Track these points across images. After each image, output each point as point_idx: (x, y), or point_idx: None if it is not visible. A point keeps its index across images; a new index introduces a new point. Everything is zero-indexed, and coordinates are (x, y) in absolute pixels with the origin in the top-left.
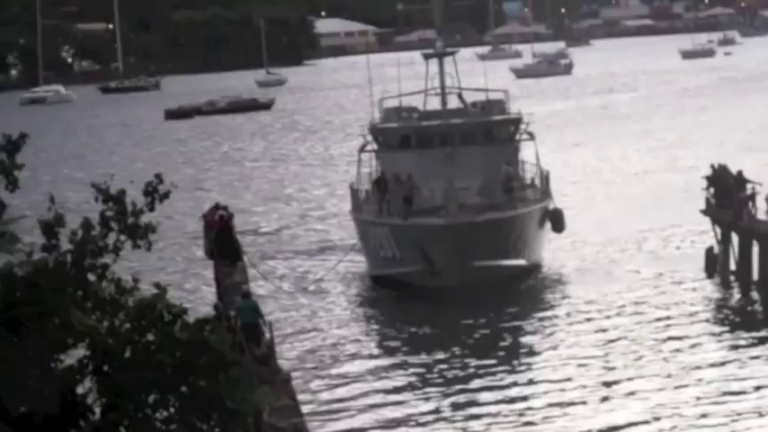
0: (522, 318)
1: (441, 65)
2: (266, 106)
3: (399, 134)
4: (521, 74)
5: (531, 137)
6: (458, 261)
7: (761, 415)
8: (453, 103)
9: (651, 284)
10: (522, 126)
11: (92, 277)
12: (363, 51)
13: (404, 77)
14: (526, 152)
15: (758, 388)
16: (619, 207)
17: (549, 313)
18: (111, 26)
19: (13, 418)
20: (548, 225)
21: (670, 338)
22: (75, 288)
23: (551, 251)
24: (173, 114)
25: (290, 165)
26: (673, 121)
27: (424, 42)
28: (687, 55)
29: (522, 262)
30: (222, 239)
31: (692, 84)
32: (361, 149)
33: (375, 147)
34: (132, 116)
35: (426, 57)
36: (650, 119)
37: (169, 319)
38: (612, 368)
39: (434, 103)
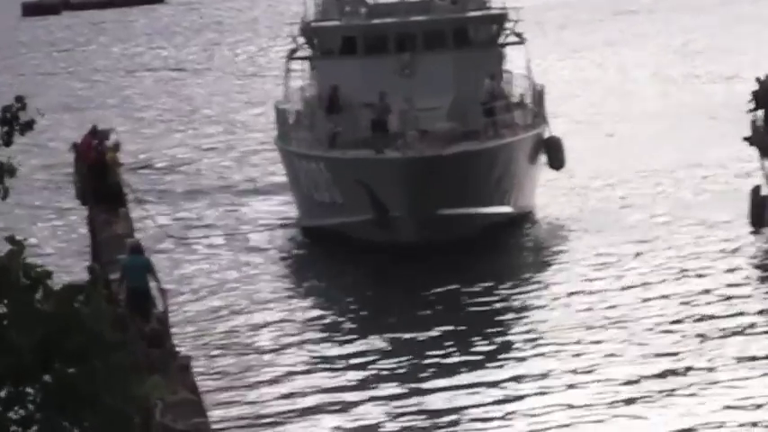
0: (503, 284)
1: None
2: None
3: (341, 35)
4: None
5: (520, 39)
6: (418, 208)
7: None
8: None
9: (674, 237)
10: (509, 25)
11: None
12: None
13: None
14: (513, 61)
15: None
16: (633, 133)
17: (540, 278)
18: None
19: None
20: (542, 159)
21: (697, 313)
22: None
23: (546, 194)
24: (33, 8)
25: (197, 78)
26: (708, 17)
27: None
28: None
29: (506, 209)
30: (97, 176)
31: None
32: (290, 56)
33: (309, 53)
34: None
35: None
36: (678, 13)
37: (27, 285)
38: (618, 355)
39: None
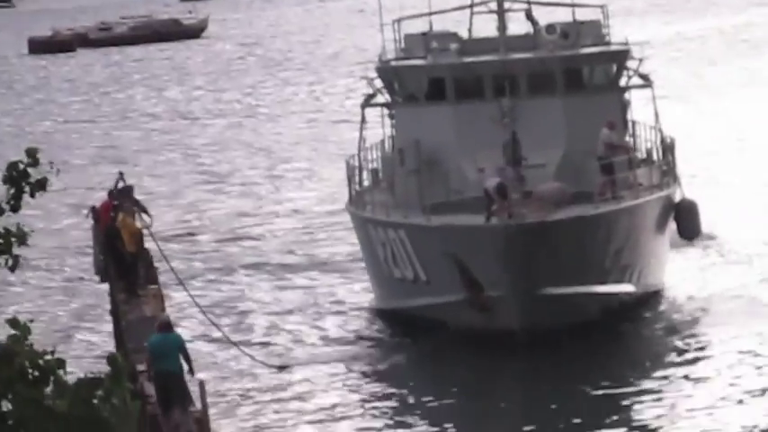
0: (624, 382)
1: None
2: (194, 33)
3: (427, 77)
4: None
5: (647, 82)
6: (521, 287)
7: None
8: (517, 26)
9: None
10: (632, 64)
11: None
12: None
13: None
14: (638, 107)
15: None
16: None
17: (671, 372)
18: None
19: None
20: (671, 226)
21: None
22: None
23: (677, 269)
24: (42, 46)
25: (243, 128)
26: None
27: None
28: None
29: (628, 288)
30: (113, 245)
31: None
32: (366, 103)
33: (388, 98)
34: None
35: None
36: None
37: (35, 378)
38: None
39: (486, 27)
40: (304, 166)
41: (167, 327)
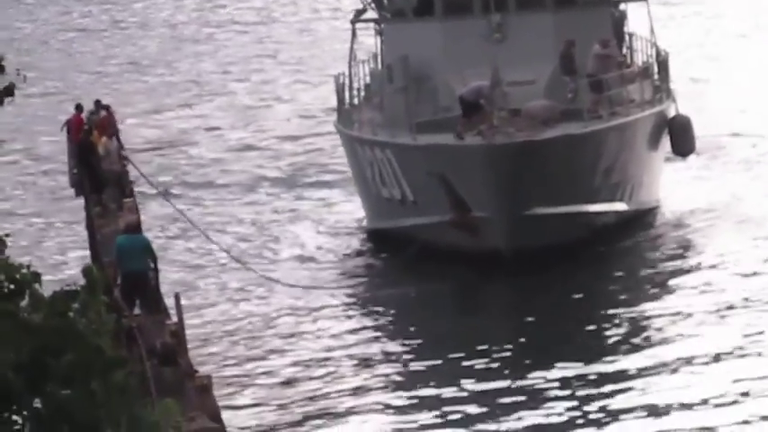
0: (616, 303)
1: None
2: None
3: None
4: None
5: None
6: (508, 206)
7: None
8: None
9: None
10: None
11: None
12: None
13: None
14: (632, 20)
15: None
16: None
17: (665, 294)
18: None
19: None
20: (665, 143)
21: None
22: None
23: (670, 186)
24: None
25: (214, 43)
26: None
27: None
28: None
29: (619, 206)
30: (87, 159)
31: None
32: (356, 19)
33: (376, 14)
34: None
35: None
36: None
37: (11, 291)
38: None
39: None
40: (293, 80)
41: (135, 228)
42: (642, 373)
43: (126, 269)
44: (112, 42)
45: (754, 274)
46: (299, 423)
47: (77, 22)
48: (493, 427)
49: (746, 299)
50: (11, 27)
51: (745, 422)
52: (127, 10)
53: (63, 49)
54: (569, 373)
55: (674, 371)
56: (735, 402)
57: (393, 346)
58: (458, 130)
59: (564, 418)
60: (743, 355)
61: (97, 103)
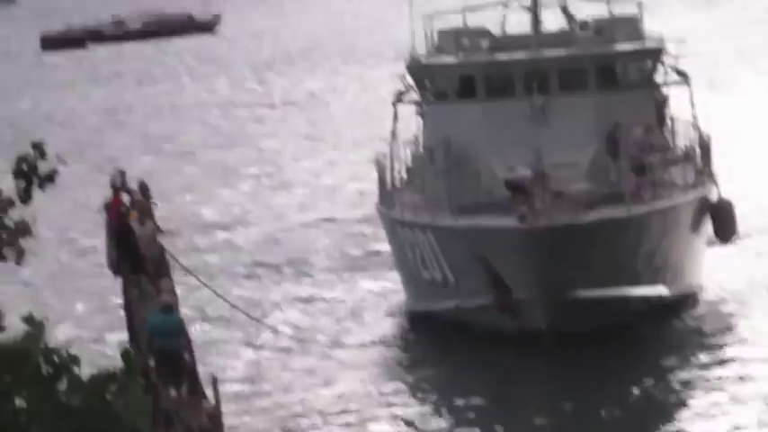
0: (656, 387)
1: None
2: (208, 27)
3: (458, 74)
4: None
5: (684, 78)
6: (549, 289)
7: None
8: (553, 22)
9: None
10: (668, 60)
11: None
12: None
13: None
14: (674, 104)
15: None
16: None
17: (701, 374)
18: None
19: None
20: (707, 227)
21: None
22: None
23: (713, 271)
24: (53, 42)
25: (264, 125)
26: None
27: None
28: None
29: (661, 290)
30: (125, 239)
31: None
32: (397, 100)
33: (418, 96)
34: None
35: None
36: None
37: (50, 374)
38: None
39: (520, 23)
40: (334, 159)
41: (168, 308)
42: None
43: (160, 347)
44: (164, 123)
45: None
46: None
47: (126, 103)
48: None
49: None
50: (62, 108)
51: None
52: (179, 91)
53: (119, 128)
54: None
55: None
56: None
57: (435, 425)
58: (521, 211)
59: None
60: None
61: (142, 186)
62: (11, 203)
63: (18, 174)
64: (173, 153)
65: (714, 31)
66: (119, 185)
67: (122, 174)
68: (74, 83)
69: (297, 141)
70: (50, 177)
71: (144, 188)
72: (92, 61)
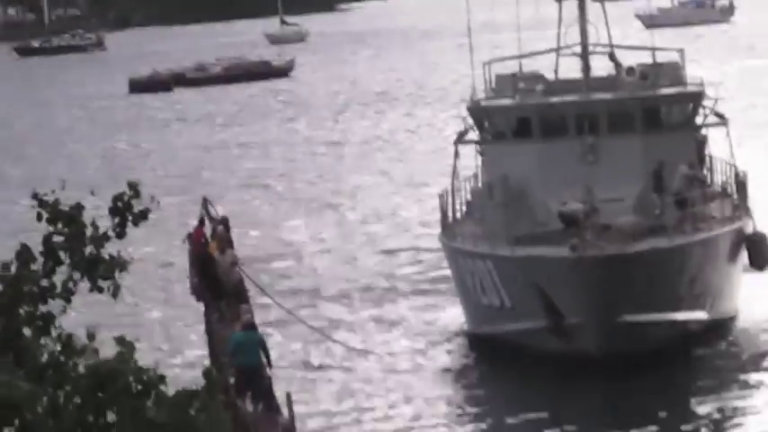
0: (699, 399)
1: (582, 9)
2: (283, 72)
3: (514, 116)
4: (650, 22)
5: (722, 120)
6: (599, 314)
7: None
8: (601, 68)
9: None
10: (707, 103)
11: (28, 332)
12: None
13: (512, 27)
14: (713, 143)
15: None
16: None
17: (737, 391)
18: None
19: None
20: (743, 257)
21: None
22: (4, 349)
23: (750, 297)
24: (141, 85)
25: (339, 163)
26: None
27: None
28: None
29: (702, 315)
30: (206, 267)
31: None
32: (459, 140)
33: (478, 136)
34: (79, 88)
35: None
36: None
37: (138, 391)
38: None
39: (571, 68)
40: (402, 196)
41: (250, 326)
42: None
43: (241, 363)
44: (237, 160)
45: None
46: None
47: (203, 144)
48: None
49: None
50: (157, 145)
51: None
52: (247, 132)
53: (190, 165)
54: None
55: None
56: None
57: None
58: (573, 242)
59: None
60: None
61: (215, 220)
62: (107, 238)
63: (113, 211)
64: (260, 186)
65: (751, 75)
66: (203, 216)
67: (206, 201)
68: (166, 122)
69: (372, 177)
70: (143, 215)
71: (225, 221)
72: (178, 103)
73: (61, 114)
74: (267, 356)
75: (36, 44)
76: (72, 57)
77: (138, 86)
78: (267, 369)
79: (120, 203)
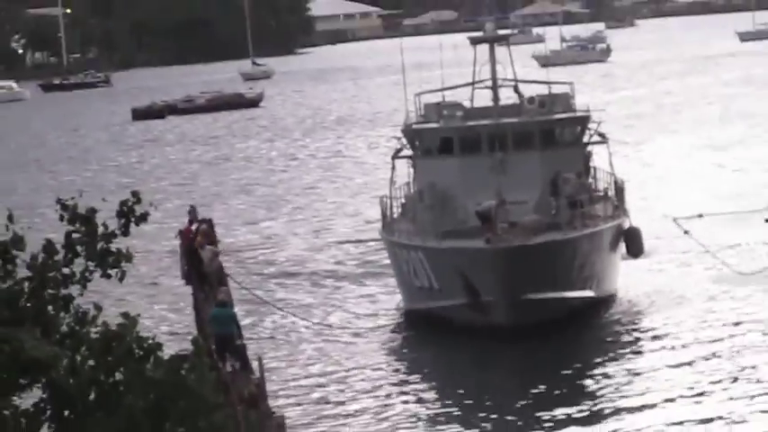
0: (586, 361)
1: (492, 52)
2: (254, 103)
3: (440, 136)
4: (545, 61)
5: (603, 139)
6: (508, 293)
7: None
8: (507, 97)
9: (721, 310)
10: (592, 125)
11: (51, 309)
12: (367, 37)
13: (436, 66)
14: (596, 157)
15: None
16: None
17: (618, 355)
18: (68, 11)
19: None
20: (622, 247)
21: (735, 378)
22: (33, 322)
23: (626, 278)
24: (141, 114)
25: (307, 173)
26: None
27: (441, 25)
28: (746, 36)
29: (589, 293)
30: (194, 259)
31: (745, 70)
32: (395, 156)
33: (411, 152)
34: (91, 117)
35: (474, 42)
36: (703, 112)
37: (140, 356)
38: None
39: (484, 100)
40: (350, 199)
41: (222, 303)
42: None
43: (217, 332)
44: (225, 172)
45: (691, 339)
46: None
47: (198, 157)
48: None
49: (684, 360)
50: (145, 161)
51: None
52: (233, 149)
53: (187, 177)
54: (557, 412)
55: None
56: None
57: (424, 393)
58: (487, 236)
59: None
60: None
61: (200, 220)
62: (114, 236)
63: (119, 214)
64: (243, 192)
65: (626, 103)
66: (191, 218)
67: (194, 208)
68: (165, 143)
69: (333, 184)
70: (144, 217)
71: (209, 221)
72: (174, 127)
73: (81, 137)
74: (238, 328)
75: (56, 81)
76: (85, 92)
77: (139, 115)
78: (239, 339)
79: (124, 208)
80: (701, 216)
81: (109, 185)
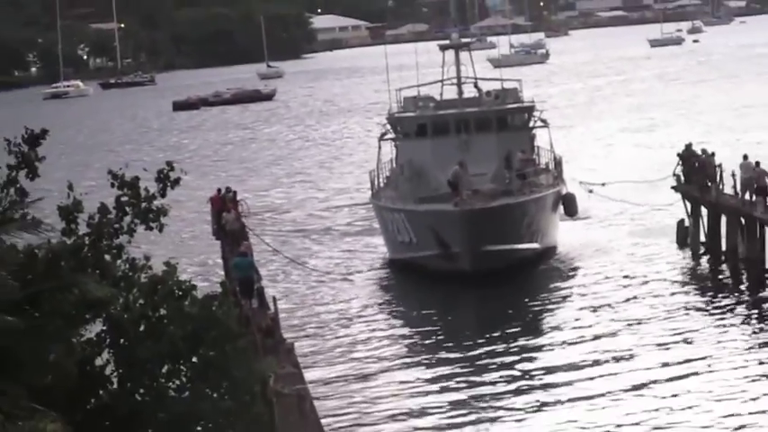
0: (533, 298)
1: (457, 56)
2: (268, 97)
3: (416, 123)
4: (497, 63)
5: (545, 124)
6: (472, 245)
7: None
8: (469, 92)
9: (636, 257)
10: (536, 113)
11: (107, 257)
12: (358, 45)
13: (413, 67)
14: (540, 139)
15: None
16: (621, 186)
17: (558, 293)
18: (122, 25)
19: (37, 390)
20: (560, 209)
21: (650, 309)
22: (93, 268)
23: (564, 233)
24: (180, 105)
25: (318, 151)
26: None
27: (416, 35)
28: (655, 43)
29: (535, 246)
30: (219, 220)
31: (657, 70)
32: (381, 138)
33: (393, 135)
34: (141, 109)
35: (443, 48)
36: (622, 101)
37: (179, 295)
38: (605, 338)
39: (451, 93)
40: (347, 171)
41: (242, 254)
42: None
43: (239, 277)
44: (252, 150)
45: (613, 282)
46: (352, 375)
47: (230, 139)
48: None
49: (607, 297)
50: (184, 141)
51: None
52: (258, 132)
53: (220, 153)
54: (511, 345)
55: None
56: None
57: (403, 325)
58: (455, 201)
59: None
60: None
61: (227, 189)
62: (154, 197)
63: (158, 179)
64: (265, 166)
65: (564, 95)
66: (218, 188)
67: (229, 189)
68: (202, 128)
69: (337, 160)
70: (177, 181)
71: (233, 191)
72: (206, 116)
73: (137, 125)
74: (257, 273)
75: (113, 81)
76: (135, 89)
77: (178, 106)
78: (257, 282)
79: (161, 174)
80: (603, 185)
81: (156, 159)
